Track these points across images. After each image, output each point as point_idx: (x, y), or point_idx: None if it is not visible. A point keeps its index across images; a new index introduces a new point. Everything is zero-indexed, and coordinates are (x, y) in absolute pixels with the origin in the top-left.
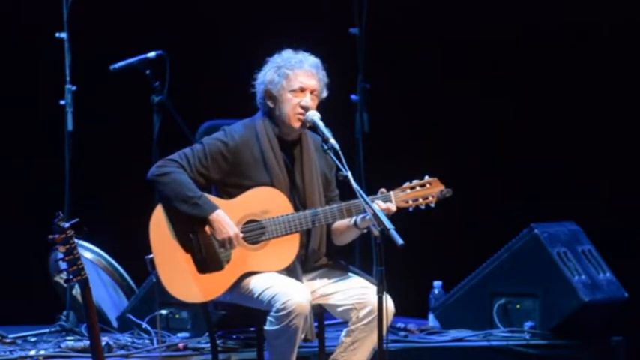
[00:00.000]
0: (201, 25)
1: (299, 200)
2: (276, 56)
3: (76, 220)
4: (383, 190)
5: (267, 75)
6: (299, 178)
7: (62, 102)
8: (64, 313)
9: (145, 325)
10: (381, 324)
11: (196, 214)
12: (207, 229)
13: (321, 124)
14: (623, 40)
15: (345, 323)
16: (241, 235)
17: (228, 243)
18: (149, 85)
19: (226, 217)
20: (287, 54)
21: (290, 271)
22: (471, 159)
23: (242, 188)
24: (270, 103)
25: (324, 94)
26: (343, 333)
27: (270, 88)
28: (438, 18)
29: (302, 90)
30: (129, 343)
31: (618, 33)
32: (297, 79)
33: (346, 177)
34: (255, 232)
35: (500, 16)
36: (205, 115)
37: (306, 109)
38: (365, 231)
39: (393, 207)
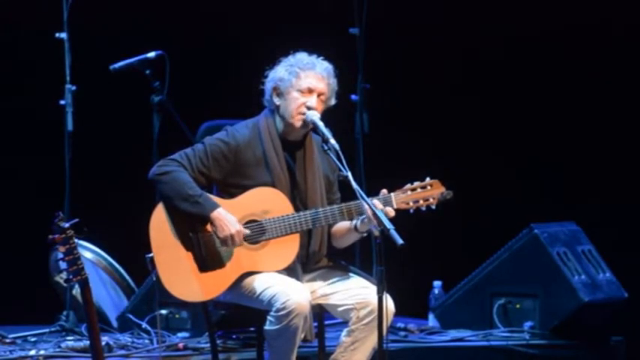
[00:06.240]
0: (201, 25)
1: (300, 201)
2: (290, 56)
3: (76, 220)
4: (384, 190)
5: (278, 72)
6: (301, 178)
7: (62, 102)
8: (64, 313)
9: (144, 325)
10: (381, 324)
11: (197, 212)
12: (208, 227)
13: (321, 124)
14: (623, 41)
15: (345, 323)
16: (246, 231)
17: (230, 240)
18: (149, 85)
19: (228, 214)
20: (301, 55)
21: (290, 271)
22: (471, 159)
23: (243, 188)
24: (276, 101)
25: (332, 101)
26: (343, 333)
27: (279, 85)
28: (438, 18)
29: (310, 91)
30: (129, 343)
31: (618, 35)
32: (306, 79)
33: (346, 177)
34: (255, 232)
35: (499, 17)
36: (205, 115)
37: (310, 110)
38: (365, 234)
39: (392, 211)
